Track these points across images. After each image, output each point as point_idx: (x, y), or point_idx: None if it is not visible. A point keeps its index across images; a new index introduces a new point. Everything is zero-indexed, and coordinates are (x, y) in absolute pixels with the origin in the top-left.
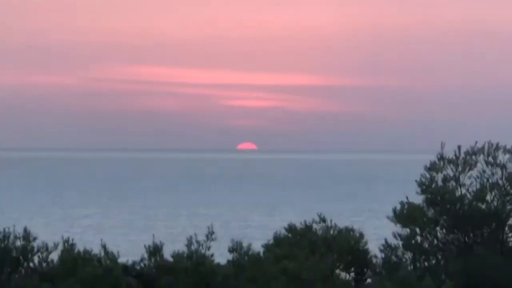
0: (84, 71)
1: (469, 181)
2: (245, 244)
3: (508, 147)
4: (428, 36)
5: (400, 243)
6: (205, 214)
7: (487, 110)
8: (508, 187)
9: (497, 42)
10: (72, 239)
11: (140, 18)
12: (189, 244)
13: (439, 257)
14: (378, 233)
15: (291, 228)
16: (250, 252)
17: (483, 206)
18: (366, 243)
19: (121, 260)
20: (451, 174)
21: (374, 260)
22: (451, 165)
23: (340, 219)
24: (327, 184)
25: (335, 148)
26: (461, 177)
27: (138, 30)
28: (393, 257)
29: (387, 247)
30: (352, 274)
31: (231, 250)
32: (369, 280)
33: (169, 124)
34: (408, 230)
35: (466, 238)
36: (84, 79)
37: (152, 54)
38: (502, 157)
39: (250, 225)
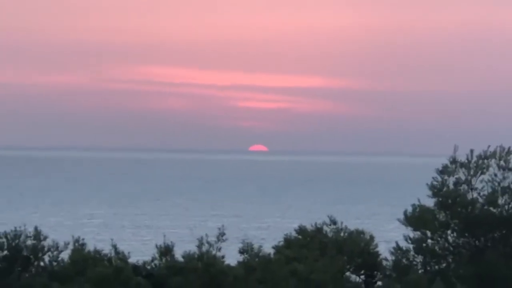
0: (96, 71)
1: (481, 185)
2: (255, 246)
3: None
4: (436, 40)
5: (411, 246)
6: (216, 215)
7: (500, 114)
8: None
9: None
10: (83, 239)
11: (153, 19)
12: (200, 244)
13: (450, 260)
14: (389, 235)
15: (301, 230)
16: (260, 254)
17: (495, 210)
18: (376, 245)
19: (132, 260)
20: (463, 177)
21: (384, 263)
22: (463, 168)
23: (351, 221)
24: (337, 186)
25: (345, 150)
26: (473, 180)
27: (151, 31)
28: (404, 260)
29: (397, 250)
30: (363, 276)
31: (241, 252)
32: (379, 283)
33: (180, 125)
34: (419, 233)
35: (477, 242)
36: (95, 79)
37: (163, 55)
38: None
39: (261, 226)
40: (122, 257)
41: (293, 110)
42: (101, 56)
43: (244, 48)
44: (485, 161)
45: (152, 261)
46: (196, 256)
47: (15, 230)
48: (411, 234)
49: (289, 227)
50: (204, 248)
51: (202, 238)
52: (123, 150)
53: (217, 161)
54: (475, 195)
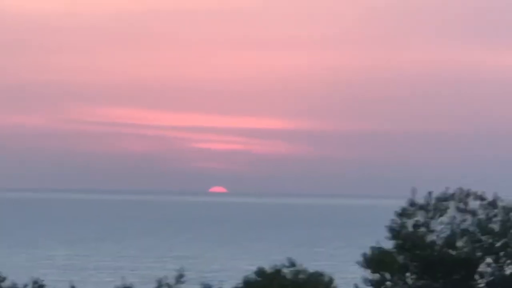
0: (52, 112)
1: (440, 227)
2: (215, 287)
3: (479, 193)
4: (399, 79)
5: None
6: (175, 256)
7: (459, 156)
8: (479, 234)
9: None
10: (42, 280)
11: (111, 59)
12: (159, 286)
13: None
14: (348, 278)
15: (260, 272)
16: None
17: (454, 253)
18: (336, 287)
19: None
20: (422, 220)
21: None
22: (422, 211)
23: (310, 263)
24: (296, 227)
25: (305, 192)
26: (431, 223)
27: (110, 71)
28: None
29: None
30: None
31: None
32: None
33: (138, 166)
34: (378, 275)
35: (436, 285)
36: (52, 120)
37: (122, 96)
38: (473, 204)
39: (220, 268)
40: None
41: (251, 151)
42: (58, 96)
43: (202, 88)
44: (444, 203)
45: None
46: None
47: None
48: (370, 276)
49: (248, 269)
50: None
51: (161, 280)
52: (79, 191)
53: (175, 203)
54: (434, 237)
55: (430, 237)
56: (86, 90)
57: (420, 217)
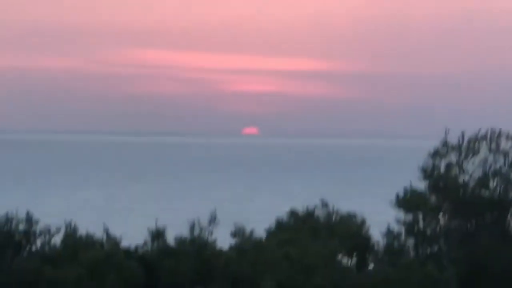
0: (90, 55)
1: (472, 168)
2: (247, 229)
3: (511, 133)
4: (428, 24)
5: (403, 229)
6: (209, 198)
7: (491, 96)
8: (511, 174)
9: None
10: (75, 223)
11: (147, 2)
12: (192, 228)
13: (442, 243)
14: (381, 218)
15: (293, 214)
16: (252, 237)
17: (486, 193)
18: (368, 228)
19: (124, 244)
20: (454, 160)
21: (376, 246)
22: (455, 151)
23: (343, 204)
24: (329, 168)
25: (337, 133)
26: (464, 163)
27: (145, 15)
28: (395, 243)
29: (389, 233)
30: (354, 259)
31: (233, 235)
32: (371, 266)
33: (172, 108)
34: (410, 216)
35: (468, 225)
36: (90, 62)
37: (157, 39)
38: (505, 144)
39: (253, 209)
40: (113, 241)
41: (286, 93)
42: (93, 39)
43: (237, 31)
44: (476, 143)
45: (144, 245)
46: (188, 240)
47: (7, 215)
48: (403, 217)
49: (281, 210)
50: (196, 232)
51: (194, 222)
52: (117, 134)
53: (210, 144)
54: (466, 178)
55: (463, 178)
56: (123, 33)
57: (452, 157)
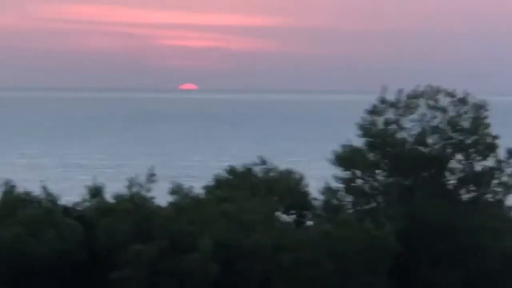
0: (16, 10)
1: (411, 125)
2: (185, 186)
3: (449, 90)
4: None
5: (341, 186)
6: (147, 153)
7: (429, 53)
8: (449, 131)
9: None
10: (12, 180)
11: None
12: (130, 185)
13: (380, 200)
14: (319, 174)
15: (231, 170)
16: (190, 194)
17: (424, 150)
18: (306, 185)
19: (63, 201)
20: (393, 117)
21: (314, 203)
22: (393, 108)
23: (281, 160)
24: (266, 124)
25: (274, 88)
26: (402, 120)
27: None
28: (334, 200)
29: (327, 190)
30: (293, 216)
31: (172, 192)
32: (310, 222)
33: (109, 64)
34: (349, 173)
35: (406, 182)
36: (16, 18)
37: None
38: (443, 101)
39: (191, 165)
40: (52, 199)
41: (223, 48)
42: None
43: None
44: (414, 100)
45: (83, 202)
46: (126, 197)
47: None
48: (341, 174)
49: (219, 166)
50: (134, 188)
51: (132, 179)
52: (50, 89)
53: (147, 99)
54: (404, 134)
55: (401, 135)
56: None
57: (390, 114)
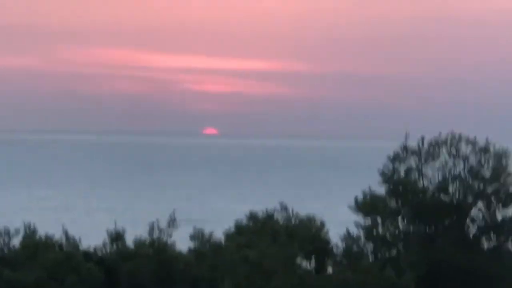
0: (44, 53)
1: (432, 173)
2: (206, 232)
3: (471, 138)
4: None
5: (362, 232)
6: (168, 198)
7: (452, 101)
8: (470, 179)
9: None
10: (34, 224)
11: (104, 2)
12: (151, 230)
13: (401, 248)
14: (340, 220)
15: (252, 216)
16: (211, 240)
17: (446, 198)
18: (327, 232)
19: (83, 245)
20: (414, 165)
21: (335, 250)
22: (414, 156)
23: (302, 207)
24: (288, 169)
25: (294, 133)
26: (424, 168)
27: (102, 13)
28: (355, 247)
29: (348, 237)
30: (313, 263)
31: (192, 238)
32: (330, 270)
33: (131, 107)
34: (369, 220)
35: (427, 229)
36: (45, 61)
37: (117, 38)
38: (464, 149)
39: (212, 211)
40: (73, 243)
41: (245, 93)
42: (50, 38)
43: (198, 30)
44: (436, 148)
45: (103, 247)
46: (147, 242)
47: None
48: (362, 221)
49: (240, 212)
50: (155, 234)
51: (153, 223)
52: (75, 132)
53: (168, 144)
54: (426, 182)
55: (422, 183)
56: (79, 32)
57: (412, 162)
